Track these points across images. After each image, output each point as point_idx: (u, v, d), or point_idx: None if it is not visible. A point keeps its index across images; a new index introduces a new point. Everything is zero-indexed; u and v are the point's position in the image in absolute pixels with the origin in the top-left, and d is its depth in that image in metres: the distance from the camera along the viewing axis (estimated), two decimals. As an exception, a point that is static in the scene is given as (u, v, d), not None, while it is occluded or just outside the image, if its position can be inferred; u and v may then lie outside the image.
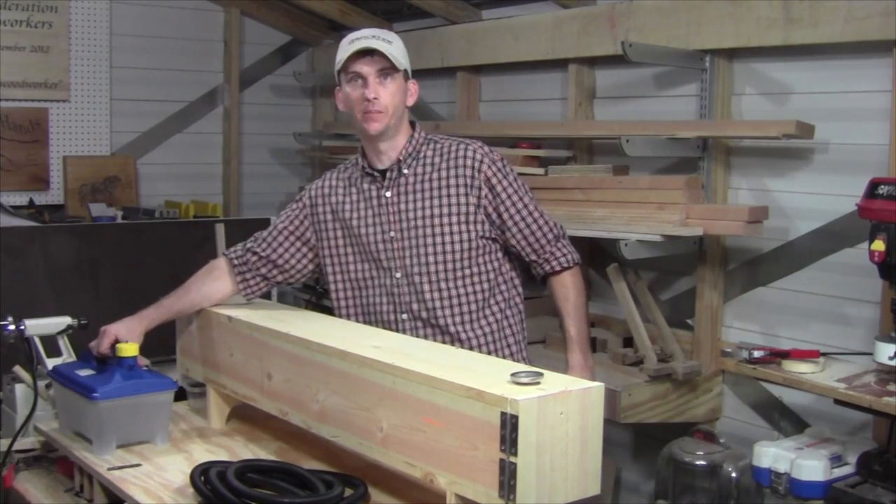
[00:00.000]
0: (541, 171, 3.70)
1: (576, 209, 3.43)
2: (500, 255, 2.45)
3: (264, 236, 2.53)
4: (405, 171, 2.40)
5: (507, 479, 1.59)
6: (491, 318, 2.43)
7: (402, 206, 2.39)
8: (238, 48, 5.16)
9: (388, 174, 2.41)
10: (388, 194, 2.40)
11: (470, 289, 2.39)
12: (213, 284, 2.51)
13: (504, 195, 2.39)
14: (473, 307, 2.40)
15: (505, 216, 2.40)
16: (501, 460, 1.59)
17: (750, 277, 3.30)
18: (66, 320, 2.57)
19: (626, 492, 3.76)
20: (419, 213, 2.37)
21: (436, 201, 2.37)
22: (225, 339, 2.40)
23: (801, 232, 3.13)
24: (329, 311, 2.61)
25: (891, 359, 2.38)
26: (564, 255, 2.48)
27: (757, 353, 2.70)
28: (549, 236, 2.46)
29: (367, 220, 2.42)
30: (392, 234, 2.39)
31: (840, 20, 2.83)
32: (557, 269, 2.48)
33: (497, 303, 2.44)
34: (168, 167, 5.03)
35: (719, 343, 3.31)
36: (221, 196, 5.19)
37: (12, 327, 2.48)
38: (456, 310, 2.39)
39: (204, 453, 2.23)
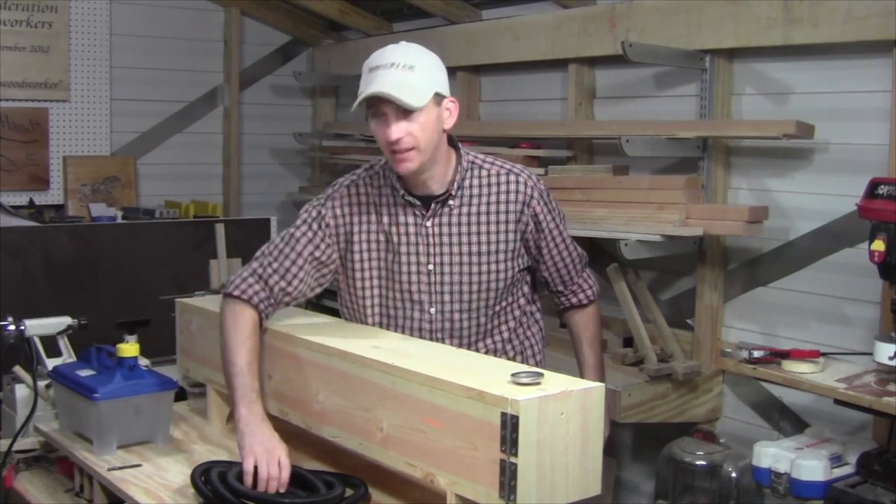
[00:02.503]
0: (541, 171, 3.69)
1: (576, 209, 3.43)
2: (529, 279, 2.37)
3: (288, 267, 2.19)
4: (450, 202, 2.21)
5: (508, 479, 1.59)
6: (516, 341, 2.36)
7: (445, 239, 2.21)
8: (238, 48, 5.16)
9: (431, 205, 2.20)
10: (429, 224, 2.21)
11: (503, 317, 2.31)
12: (257, 336, 2.19)
13: (547, 230, 2.29)
14: (506, 335, 2.33)
15: (544, 250, 2.32)
16: (502, 460, 1.59)
17: (750, 277, 3.30)
18: (66, 320, 2.57)
19: (626, 492, 3.76)
20: (464, 249, 2.21)
21: (483, 237, 2.21)
22: (225, 339, 2.39)
23: (801, 232, 3.13)
24: (330, 311, 2.59)
25: (891, 359, 2.38)
26: (590, 286, 2.44)
27: (757, 353, 2.70)
28: (578, 267, 2.40)
29: (401, 249, 2.22)
30: (430, 267, 2.21)
31: (840, 20, 2.83)
32: (584, 301, 2.44)
33: (522, 325, 2.37)
34: (168, 167, 5.03)
35: (719, 343, 3.31)
36: (221, 196, 5.19)
37: (12, 327, 2.48)
38: (489, 341, 2.30)
39: (204, 453, 2.23)
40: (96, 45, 4.69)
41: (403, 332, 2.24)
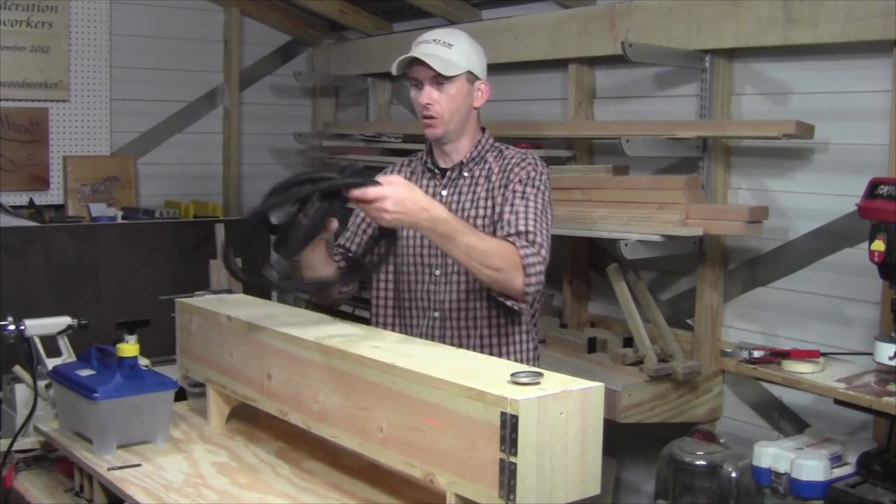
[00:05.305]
0: (541, 171, 3.69)
1: (576, 209, 3.43)
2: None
3: (350, 233, 2.52)
4: (465, 173, 2.43)
5: (507, 479, 1.59)
6: (518, 338, 2.42)
7: (455, 207, 2.39)
8: (238, 48, 5.16)
9: (448, 174, 2.44)
10: (444, 192, 2.43)
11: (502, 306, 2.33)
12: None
13: (515, 181, 2.31)
14: (504, 321, 2.39)
15: (500, 199, 2.32)
16: (501, 460, 1.59)
17: (750, 277, 3.30)
18: (66, 320, 2.57)
19: (626, 492, 3.76)
20: (469, 214, 2.38)
21: (487, 202, 2.38)
22: (225, 339, 2.39)
23: (801, 232, 3.13)
24: (335, 313, 2.60)
25: (891, 359, 2.38)
26: (527, 252, 2.20)
27: (757, 353, 2.71)
28: (522, 223, 2.26)
29: None
30: None
31: (840, 20, 2.83)
32: (510, 240, 2.21)
33: (522, 330, 2.42)
34: (168, 167, 5.03)
35: (719, 343, 3.31)
36: (221, 196, 5.19)
37: (12, 327, 2.48)
38: (484, 322, 2.38)
39: (204, 453, 2.23)
40: (96, 45, 4.69)
41: (414, 293, 2.45)
